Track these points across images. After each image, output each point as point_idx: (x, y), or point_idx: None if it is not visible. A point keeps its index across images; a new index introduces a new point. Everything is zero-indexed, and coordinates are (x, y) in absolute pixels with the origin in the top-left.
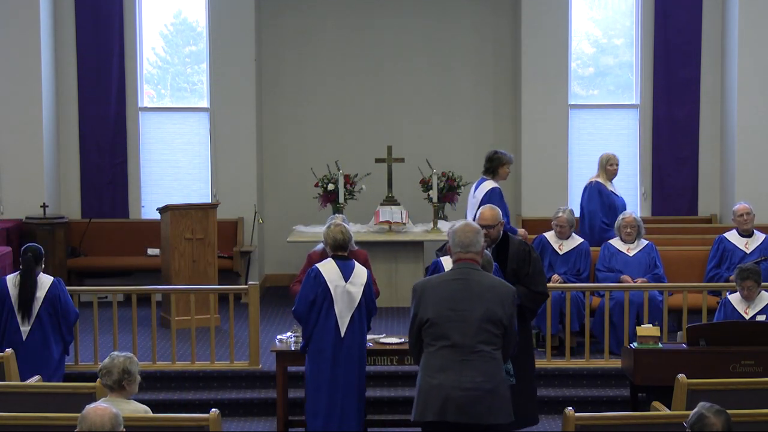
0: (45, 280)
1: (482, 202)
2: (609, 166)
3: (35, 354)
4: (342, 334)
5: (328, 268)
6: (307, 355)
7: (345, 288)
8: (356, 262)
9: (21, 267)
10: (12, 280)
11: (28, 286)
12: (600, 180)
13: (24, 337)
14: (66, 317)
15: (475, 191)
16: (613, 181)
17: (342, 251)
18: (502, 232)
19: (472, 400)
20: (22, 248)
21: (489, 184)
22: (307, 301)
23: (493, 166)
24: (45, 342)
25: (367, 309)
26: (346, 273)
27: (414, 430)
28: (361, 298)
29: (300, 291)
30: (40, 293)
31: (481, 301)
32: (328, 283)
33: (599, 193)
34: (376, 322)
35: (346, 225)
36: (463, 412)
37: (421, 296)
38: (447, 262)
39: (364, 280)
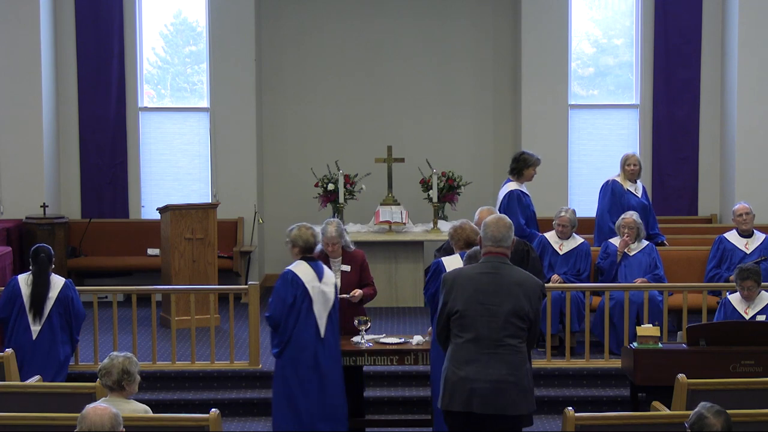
0: (57, 281)
1: (501, 204)
2: (627, 166)
3: (44, 353)
4: (322, 334)
5: (303, 270)
6: (280, 359)
7: (320, 288)
8: (321, 263)
9: (34, 267)
10: (24, 279)
11: (41, 286)
12: (617, 179)
13: (34, 337)
14: (77, 318)
15: (500, 191)
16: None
17: (311, 253)
18: None
19: (497, 392)
20: (33, 249)
21: (510, 186)
22: (286, 304)
23: (518, 167)
24: (53, 342)
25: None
26: (319, 273)
27: (415, 429)
28: (334, 298)
29: (274, 295)
30: (53, 293)
31: (510, 295)
32: (306, 284)
33: (612, 192)
34: (376, 322)
35: (339, 230)
36: (488, 403)
37: (451, 287)
38: (448, 262)
39: (334, 279)
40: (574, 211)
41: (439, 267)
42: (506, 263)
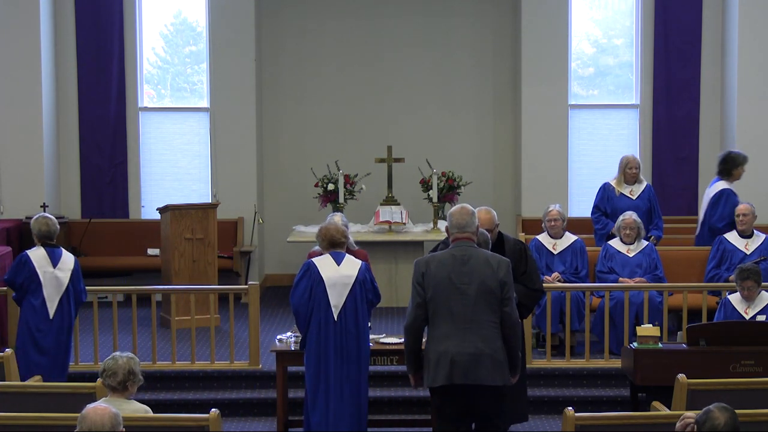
0: None
1: (711, 202)
2: (627, 170)
3: None
4: (51, 316)
5: (38, 255)
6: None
7: (53, 273)
8: (63, 250)
9: None
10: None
11: None
12: (612, 183)
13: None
14: None
15: (708, 189)
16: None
17: (49, 240)
18: (498, 233)
19: (474, 363)
20: None
21: (720, 185)
22: (15, 284)
23: (727, 167)
24: None
25: (77, 293)
26: (54, 260)
27: (415, 429)
28: (68, 284)
29: (7, 273)
30: None
31: (479, 274)
32: (36, 269)
33: (602, 196)
34: (377, 322)
35: (344, 223)
36: (467, 374)
37: (425, 272)
38: (320, 263)
39: (71, 265)
40: (560, 206)
41: (311, 268)
42: (473, 246)
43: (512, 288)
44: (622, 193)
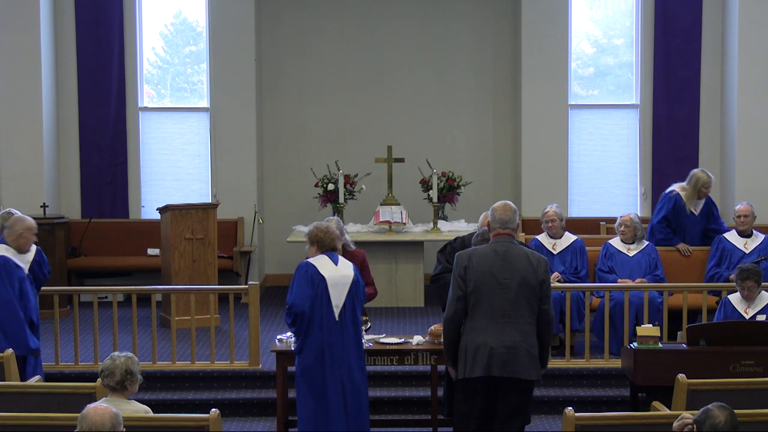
0: None
1: None
2: (703, 188)
3: None
4: None
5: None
6: None
7: None
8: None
9: None
10: None
11: None
12: (683, 195)
13: None
14: None
15: None
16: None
17: None
18: None
19: (513, 357)
20: None
21: None
22: None
23: None
24: None
25: (37, 280)
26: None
27: (415, 429)
28: (29, 274)
29: None
30: None
31: (519, 270)
32: None
33: (674, 206)
34: (376, 322)
35: (338, 227)
36: (506, 367)
37: (467, 265)
38: (318, 263)
39: (31, 257)
40: (558, 206)
41: (309, 268)
42: (513, 242)
43: (549, 286)
44: (691, 211)
